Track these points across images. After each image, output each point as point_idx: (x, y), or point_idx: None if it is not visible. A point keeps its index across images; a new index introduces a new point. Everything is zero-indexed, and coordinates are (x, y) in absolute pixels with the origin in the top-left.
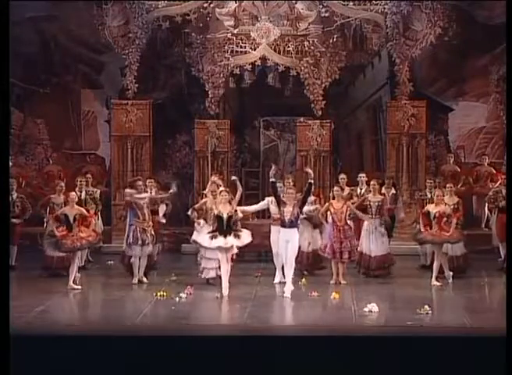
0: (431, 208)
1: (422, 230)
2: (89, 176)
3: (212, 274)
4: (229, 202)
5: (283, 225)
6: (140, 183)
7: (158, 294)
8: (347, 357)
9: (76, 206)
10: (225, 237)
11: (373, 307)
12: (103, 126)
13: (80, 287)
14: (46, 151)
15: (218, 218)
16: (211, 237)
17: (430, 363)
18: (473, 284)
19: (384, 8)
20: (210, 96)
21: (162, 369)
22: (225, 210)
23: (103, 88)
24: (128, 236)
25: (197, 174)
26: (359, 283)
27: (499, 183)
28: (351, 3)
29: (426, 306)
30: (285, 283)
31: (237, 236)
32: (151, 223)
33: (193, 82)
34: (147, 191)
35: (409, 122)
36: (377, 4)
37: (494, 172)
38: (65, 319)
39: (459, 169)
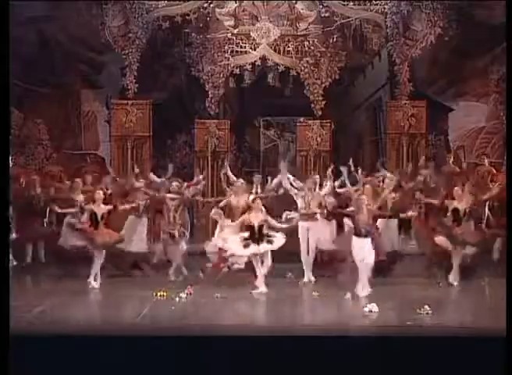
0: (455, 204)
1: (457, 228)
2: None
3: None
4: (261, 211)
5: (358, 234)
6: None
7: (158, 294)
8: (347, 357)
9: (102, 205)
10: (258, 244)
11: (373, 307)
12: (103, 126)
13: (98, 286)
14: (46, 151)
15: (250, 227)
16: (244, 246)
17: (430, 363)
18: (474, 285)
19: (384, 8)
20: (210, 96)
21: (162, 369)
22: (256, 219)
23: (103, 88)
24: None
25: (197, 174)
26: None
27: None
28: (351, 3)
29: (426, 306)
30: (312, 282)
31: (270, 241)
32: None
33: (193, 82)
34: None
35: (409, 122)
36: (377, 4)
37: (494, 172)
38: (66, 318)
39: (458, 170)
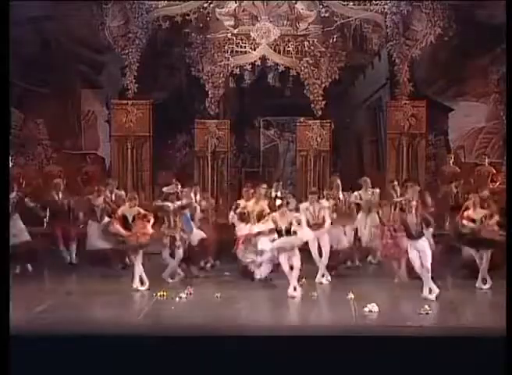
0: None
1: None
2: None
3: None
4: (284, 214)
5: (410, 236)
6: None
7: (158, 294)
8: (347, 357)
9: (134, 207)
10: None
11: (373, 307)
12: (103, 126)
13: (144, 287)
14: (46, 151)
15: (277, 231)
16: (272, 241)
17: (430, 363)
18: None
19: (384, 8)
20: (210, 96)
21: (162, 369)
22: (283, 223)
23: (103, 88)
24: None
25: (197, 174)
26: (359, 283)
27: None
28: (351, 3)
29: (426, 306)
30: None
31: (295, 234)
32: None
33: (193, 82)
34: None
35: (409, 122)
36: (377, 4)
37: (494, 172)
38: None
39: (458, 170)
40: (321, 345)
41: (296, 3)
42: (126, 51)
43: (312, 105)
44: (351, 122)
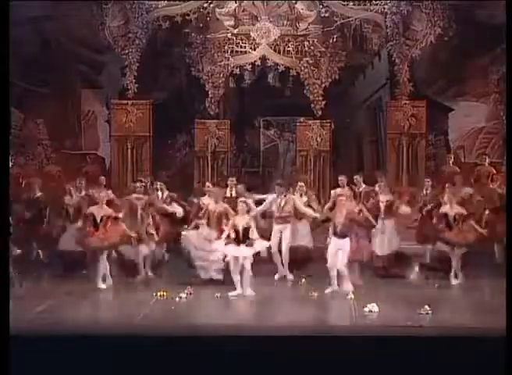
0: (446, 209)
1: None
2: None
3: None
4: (247, 213)
5: (335, 234)
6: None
7: (158, 294)
8: (347, 357)
9: (104, 207)
10: (238, 245)
11: (373, 307)
12: (103, 126)
13: (105, 286)
14: (46, 151)
15: (235, 231)
16: (226, 243)
17: (430, 363)
18: (473, 285)
19: (384, 8)
20: (210, 96)
21: (162, 369)
22: (241, 222)
23: (103, 88)
24: None
25: (197, 174)
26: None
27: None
28: (351, 3)
29: (426, 306)
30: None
31: (250, 244)
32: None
33: (193, 82)
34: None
35: (409, 122)
36: (377, 4)
37: (494, 172)
38: (66, 319)
39: (458, 170)
40: (321, 345)
41: (296, 3)
42: (126, 51)
43: (312, 105)
44: (351, 122)
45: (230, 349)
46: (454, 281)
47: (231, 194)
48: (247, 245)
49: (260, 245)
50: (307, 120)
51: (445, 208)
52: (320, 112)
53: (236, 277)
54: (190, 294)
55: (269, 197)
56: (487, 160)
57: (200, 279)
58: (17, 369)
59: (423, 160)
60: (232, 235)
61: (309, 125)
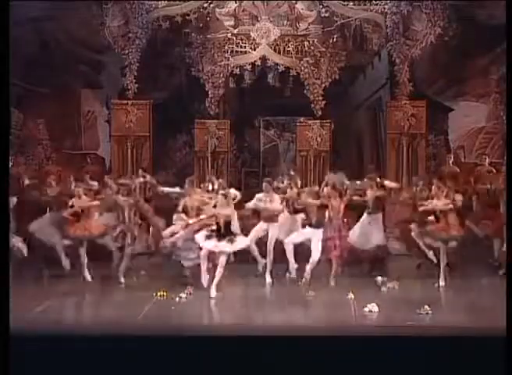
0: (434, 204)
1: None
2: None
3: (189, 263)
4: (227, 205)
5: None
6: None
7: (159, 294)
8: (347, 357)
9: (83, 198)
10: (218, 240)
11: (373, 307)
12: (103, 126)
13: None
14: (46, 151)
15: (216, 223)
16: (206, 237)
17: (430, 363)
18: (471, 283)
19: (384, 8)
20: (210, 96)
21: (162, 369)
22: (222, 215)
23: (103, 88)
24: None
25: (197, 174)
26: (358, 283)
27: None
28: (351, 3)
29: (426, 306)
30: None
31: (231, 241)
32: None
33: (193, 82)
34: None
35: (409, 122)
36: (377, 4)
37: (494, 172)
38: (65, 319)
39: (458, 170)
40: (321, 345)
41: (296, 3)
42: (126, 51)
43: (312, 105)
44: (351, 122)
45: (230, 349)
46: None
47: (213, 189)
48: (228, 240)
49: (242, 242)
50: (307, 120)
51: (432, 202)
52: (320, 112)
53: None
54: (190, 294)
55: (257, 196)
56: (487, 160)
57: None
58: (17, 369)
59: (423, 160)
60: (214, 227)
61: (309, 125)
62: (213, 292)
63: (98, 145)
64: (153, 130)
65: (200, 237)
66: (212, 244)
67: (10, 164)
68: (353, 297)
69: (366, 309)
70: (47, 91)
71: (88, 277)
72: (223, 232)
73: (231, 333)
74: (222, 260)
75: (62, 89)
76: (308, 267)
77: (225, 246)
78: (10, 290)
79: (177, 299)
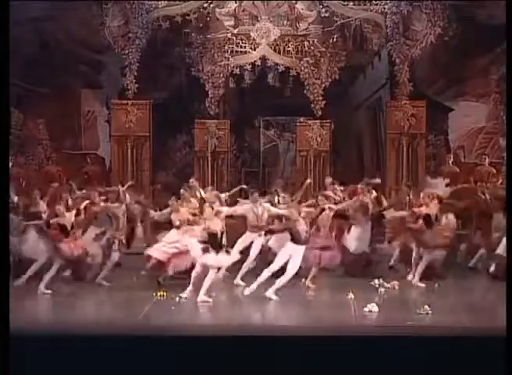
0: (426, 210)
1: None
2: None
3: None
4: (216, 216)
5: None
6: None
7: (159, 294)
8: (347, 357)
9: (72, 213)
10: (217, 253)
11: (373, 307)
12: (103, 126)
13: (50, 291)
14: (46, 151)
15: (211, 235)
16: (204, 250)
17: (430, 363)
18: (471, 285)
19: (384, 8)
20: (210, 96)
21: (162, 369)
22: (216, 226)
23: (103, 88)
24: None
25: (197, 174)
26: (358, 284)
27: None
28: (351, 3)
29: (426, 306)
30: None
31: (228, 252)
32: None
33: (193, 82)
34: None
35: (409, 122)
36: (377, 4)
37: (495, 172)
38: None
39: (458, 170)
40: (321, 345)
41: (296, 3)
42: (126, 51)
43: (312, 105)
44: (351, 122)
45: (230, 349)
46: (416, 282)
47: (201, 198)
48: (225, 252)
49: (236, 254)
50: (307, 120)
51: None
52: (320, 112)
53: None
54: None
55: (244, 205)
56: (487, 160)
57: None
58: (17, 369)
59: (423, 160)
60: (202, 238)
61: (309, 125)
62: (202, 297)
63: (98, 145)
64: (153, 130)
65: (196, 250)
66: (212, 259)
67: (10, 164)
68: (353, 297)
69: (366, 309)
70: (47, 91)
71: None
72: (218, 243)
73: (231, 333)
74: (219, 271)
75: (62, 89)
76: (281, 281)
77: (224, 259)
78: (10, 290)
79: (177, 299)
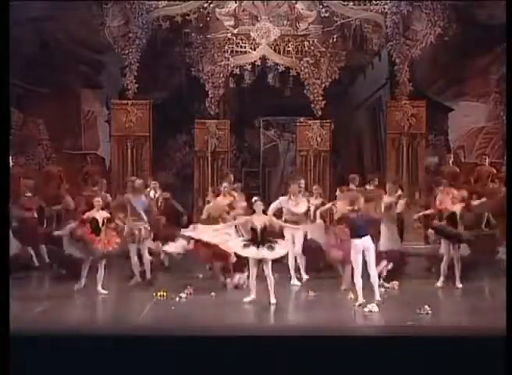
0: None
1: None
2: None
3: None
4: (263, 212)
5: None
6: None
7: (158, 294)
8: (347, 357)
9: (102, 210)
10: (257, 247)
11: (373, 307)
12: (103, 126)
13: (107, 291)
14: (46, 151)
15: (252, 230)
16: (244, 246)
17: (430, 363)
18: (474, 286)
19: (384, 8)
20: (210, 96)
21: (162, 369)
22: (259, 222)
23: (103, 88)
24: None
25: (197, 174)
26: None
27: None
28: (351, 3)
29: (426, 306)
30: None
31: (271, 247)
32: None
33: (193, 82)
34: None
35: (409, 122)
36: (377, 4)
37: (494, 172)
38: (67, 319)
39: (458, 170)
40: (321, 345)
41: (296, 3)
42: (126, 51)
43: (312, 105)
44: (351, 122)
45: (230, 349)
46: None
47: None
48: (268, 248)
49: (282, 248)
50: (307, 120)
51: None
52: (320, 112)
53: (253, 282)
54: (190, 294)
55: (281, 199)
56: (487, 160)
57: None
58: (17, 369)
59: (423, 160)
60: (247, 236)
61: (309, 125)
62: (274, 299)
63: (98, 145)
64: (153, 130)
65: (237, 245)
66: (254, 253)
67: (10, 164)
68: (353, 297)
69: (366, 309)
70: (47, 91)
71: (103, 291)
72: (260, 240)
73: (231, 333)
74: (267, 268)
75: (62, 89)
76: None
77: (265, 253)
78: (10, 290)
79: (177, 299)
